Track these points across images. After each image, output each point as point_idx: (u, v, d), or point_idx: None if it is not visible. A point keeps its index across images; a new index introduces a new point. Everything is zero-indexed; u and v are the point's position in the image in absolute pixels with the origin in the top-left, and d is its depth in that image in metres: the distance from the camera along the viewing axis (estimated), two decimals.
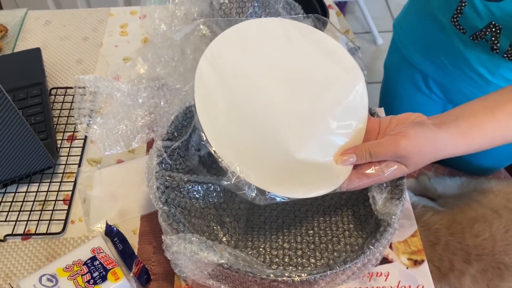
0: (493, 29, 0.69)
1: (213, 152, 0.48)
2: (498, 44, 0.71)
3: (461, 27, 0.74)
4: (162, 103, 0.68)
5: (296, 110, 0.54)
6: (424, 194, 1.03)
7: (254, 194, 0.48)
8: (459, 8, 0.72)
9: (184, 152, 0.60)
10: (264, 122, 0.52)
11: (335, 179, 0.52)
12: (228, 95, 0.52)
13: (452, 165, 1.03)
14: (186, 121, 0.61)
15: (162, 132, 0.58)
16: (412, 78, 0.92)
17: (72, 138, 0.77)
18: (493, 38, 0.71)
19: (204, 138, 0.48)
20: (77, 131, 0.77)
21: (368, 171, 0.52)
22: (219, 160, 0.48)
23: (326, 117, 0.54)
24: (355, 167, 0.53)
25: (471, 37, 0.74)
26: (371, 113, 0.62)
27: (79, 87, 0.74)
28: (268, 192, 0.48)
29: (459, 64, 0.80)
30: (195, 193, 0.57)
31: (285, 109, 0.54)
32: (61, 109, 0.80)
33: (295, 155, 0.52)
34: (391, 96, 1.02)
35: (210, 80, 0.52)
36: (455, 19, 0.74)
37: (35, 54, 0.85)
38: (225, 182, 0.48)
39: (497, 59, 0.74)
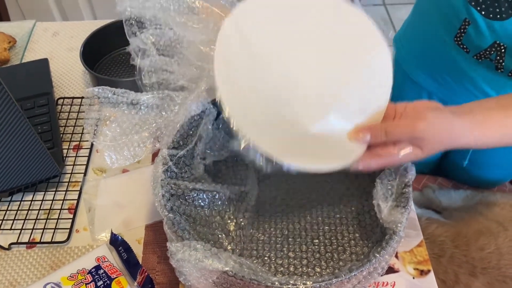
0: (498, 49, 0.69)
1: (226, 114, 0.47)
2: (503, 64, 0.71)
3: (465, 47, 0.74)
4: (165, 113, 0.69)
5: (316, 83, 0.53)
6: (428, 206, 1.03)
7: (261, 161, 0.48)
8: (462, 27, 0.72)
9: (190, 160, 0.60)
10: (283, 91, 0.51)
11: (347, 155, 0.50)
12: (248, 60, 0.51)
13: (457, 179, 1.03)
14: (192, 130, 0.61)
15: (168, 141, 0.58)
16: (415, 95, 0.91)
17: (78, 148, 0.77)
18: (498, 58, 0.70)
19: (218, 99, 0.48)
20: (83, 141, 0.78)
21: (382, 151, 0.51)
22: (232, 122, 0.47)
23: (346, 93, 0.54)
24: (369, 147, 0.52)
25: (475, 57, 0.73)
26: None
27: (87, 97, 0.75)
28: (276, 162, 0.47)
29: (464, 82, 0.79)
30: (200, 201, 0.57)
31: (306, 80, 0.53)
32: (67, 119, 0.81)
33: (310, 127, 0.51)
34: None
35: (232, 43, 0.51)
36: (458, 39, 0.74)
37: (42, 65, 0.86)
38: (235, 148, 0.47)
39: (503, 78, 0.74)
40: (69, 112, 0.82)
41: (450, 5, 0.72)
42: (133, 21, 0.75)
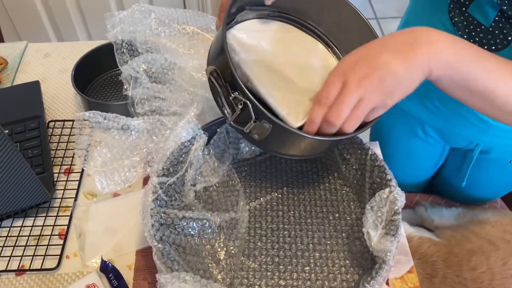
0: None
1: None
2: None
3: None
4: (155, 138, 0.69)
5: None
6: (420, 224, 1.03)
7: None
8: None
9: (180, 187, 0.60)
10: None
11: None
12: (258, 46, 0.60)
13: (449, 196, 1.03)
14: (182, 156, 0.61)
15: (158, 168, 0.58)
16: (406, 124, 0.91)
17: (69, 172, 0.77)
18: None
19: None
20: (74, 165, 0.78)
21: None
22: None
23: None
24: None
25: None
26: (365, 148, 0.63)
27: (78, 120, 0.75)
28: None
29: (457, 109, 0.79)
30: (190, 230, 0.57)
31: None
32: (58, 142, 0.80)
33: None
34: (384, 141, 0.99)
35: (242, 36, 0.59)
36: None
37: (34, 87, 0.86)
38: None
39: None
40: (60, 135, 0.81)
41: None
42: (124, 50, 0.76)
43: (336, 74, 0.54)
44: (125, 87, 0.74)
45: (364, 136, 0.63)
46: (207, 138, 0.63)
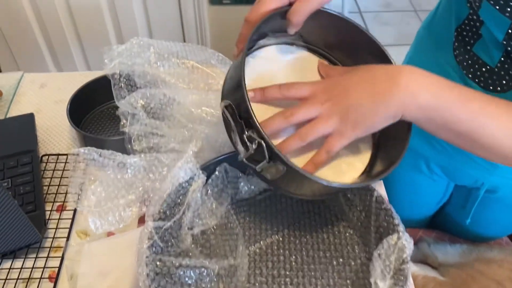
0: None
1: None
2: None
3: None
4: (152, 175, 0.66)
5: None
6: (424, 261, 1.00)
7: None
8: None
9: (177, 232, 0.58)
10: None
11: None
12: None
13: (453, 232, 1.01)
14: (179, 198, 0.58)
15: (154, 212, 0.56)
16: (410, 160, 0.89)
17: (62, 209, 0.74)
18: None
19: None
20: (67, 201, 0.75)
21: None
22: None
23: None
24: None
25: None
26: (369, 189, 0.61)
27: (73, 156, 0.73)
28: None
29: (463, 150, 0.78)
30: (187, 279, 0.54)
31: None
32: (51, 177, 0.78)
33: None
34: (388, 179, 0.97)
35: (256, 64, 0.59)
36: None
37: (28, 120, 0.84)
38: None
39: None
40: (53, 170, 0.79)
41: (446, 77, 0.71)
42: (122, 84, 0.74)
43: (308, 85, 0.55)
44: (122, 123, 0.72)
45: None
46: (205, 178, 0.61)
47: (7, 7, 1.58)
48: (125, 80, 0.75)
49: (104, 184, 0.66)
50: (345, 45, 0.63)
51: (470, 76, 0.67)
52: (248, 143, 0.50)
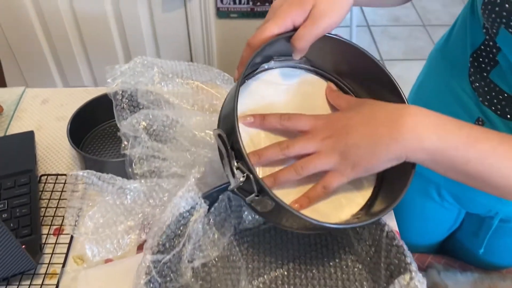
0: None
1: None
2: None
3: None
4: (152, 201, 0.64)
5: None
6: None
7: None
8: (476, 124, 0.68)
9: (176, 265, 0.55)
10: None
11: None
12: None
13: (464, 259, 0.97)
14: (180, 229, 0.56)
15: (153, 244, 0.53)
16: (420, 186, 0.86)
17: (58, 233, 0.71)
18: None
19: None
20: (64, 225, 0.72)
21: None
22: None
23: None
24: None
25: None
26: (380, 223, 0.58)
27: (70, 183, 0.70)
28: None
29: None
30: None
31: None
32: (49, 199, 0.75)
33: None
34: (398, 204, 0.95)
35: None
36: None
37: (27, 138, 0.82)
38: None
39: None
40: (52, 191, 0.76)
41: (460, 103, 0.68)
42: (124, 105, 0.72)
43: (309, 119, 0.54)
44: (123, 145, 0.70)
45: None
46: (207, 207, 0.58)
47: (16, 22, 1.57)
48: (127, 100, 0.73)
49: (102, 209, 0.63)
50: (355, 73, 0.61)
51: (486, 103, 0.64)
52: (237, 174, 0.49)
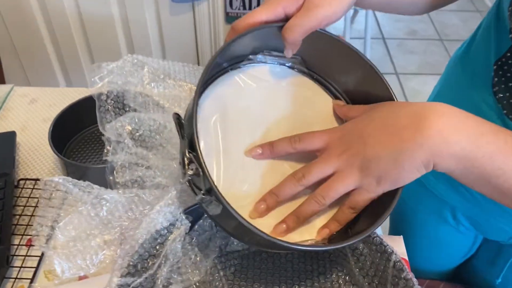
0: None
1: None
2: None
3: None
4: (131, 214, 0.57)
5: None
6: None
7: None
8: None
9: None
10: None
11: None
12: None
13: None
14: (156, 249, 0.49)
15: (122, 265, 0.46)
16: (434, 209, 0.78)
17: (30, 244, 0.65)
18: None
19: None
20: (37, 235, 0.66)
21: None
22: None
23: None
24: None
25: None
26: (386, 251, 0.50)
27: (45, 189, 0.64)
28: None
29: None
30: None
31: None
32: (25, 206, 0.69)
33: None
34: (407, 225, 0.87)
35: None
36: None
37: (8, 139, 0.76)
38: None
39: None
40: (29, 197, 0.70)
41: (481, 116, 0.60)
42: (109, 106, 0.65)
43: (322, 135, 0.48)
44: (105, 150, 0.63)
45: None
46: (190, 224, 0.51)
47: (21, 22, 1.54)
48: (113, 102, 0.67)
49: (75, 221, 0.57)
50: (353, 81, 0.54)
51: (511, 116, 0.57)
52: (187, 166, 0.43)
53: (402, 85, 2.38)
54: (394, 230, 0.93)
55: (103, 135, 0.66)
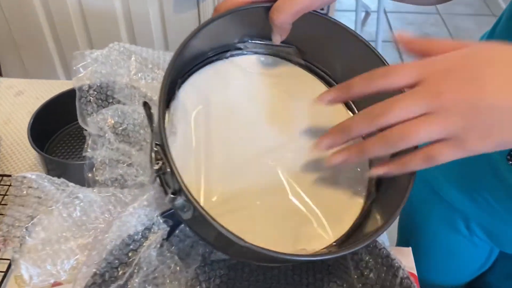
0: None
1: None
2: None
3: None
4: (108, 216, 0.51)
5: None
6: None
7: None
8: None
9: None
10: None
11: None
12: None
13: None
14: (127, 257, 0.43)
15: (87, 273, 0.40)
16: (446, 218, 0.72)
17: (3, 245, 0.60)
18: None
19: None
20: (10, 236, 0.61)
21: None
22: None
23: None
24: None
25: None
26: (393, 266, 0.44)
27: (15, 186, 0.58)
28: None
29: None
30: None
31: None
32: (0, 204, 0.64)
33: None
34: (417, 235, 0.80)
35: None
36: None
37: None
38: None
39: None
40: (4, 194, 0.65)
41: None
42: (91, 98, 0.60)
43: (414, 66, 0.36)
44: (85, 145, 0.58)
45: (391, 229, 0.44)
46: (168, 229, 0.45)
47: (21, 14, 1.51)
48: (95, 92, 0.61)
49: (44, 222, 0.51)
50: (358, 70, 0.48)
51: None
52: (154, 160, 0.37)
53: None
54: (402, 240, 0.86)
55: (85, 129, 0.61)
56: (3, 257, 0.59)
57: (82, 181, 0.56)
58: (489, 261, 0.78)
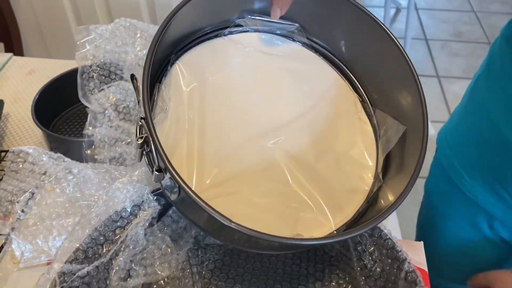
0: None
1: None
2: None
3: None
4: (101, 193, 0.49)
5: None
6: None
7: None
8: None
9: (100, 282, 0.39)
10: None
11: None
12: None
13: None
14: (114, 234, 0.40)
15: (69, 248, 0.38)
16: (467, 213, 0.67)
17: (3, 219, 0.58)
18: None
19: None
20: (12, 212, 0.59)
21: None
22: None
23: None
24: None
25: None
26: (399, 258, 0.40)
27: (11, 160, 0.57)
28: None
29: None
30: None
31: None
32: (1, 179, 0.63)
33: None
34: (436, 232, 0.76)
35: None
36: None
37: None
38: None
39: None
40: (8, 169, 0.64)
41: None
42: (94, 74, 0.58)
43: None
44: (87, 122, 0.56)
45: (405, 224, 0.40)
46: (159, 208, 0.43)
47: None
48: (98, 68, 0.59)
49: (37, 197, 0.50)
50: (364, 54, 0.44)
51: None
52: (138, 134, 0.35)
53: (443, 88, 2.22)
54: (420, 236, 0.81)
55: (87, 107, 0.59)
56: (1, 233, 0.57)
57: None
58: (508, 262, 0.73)
